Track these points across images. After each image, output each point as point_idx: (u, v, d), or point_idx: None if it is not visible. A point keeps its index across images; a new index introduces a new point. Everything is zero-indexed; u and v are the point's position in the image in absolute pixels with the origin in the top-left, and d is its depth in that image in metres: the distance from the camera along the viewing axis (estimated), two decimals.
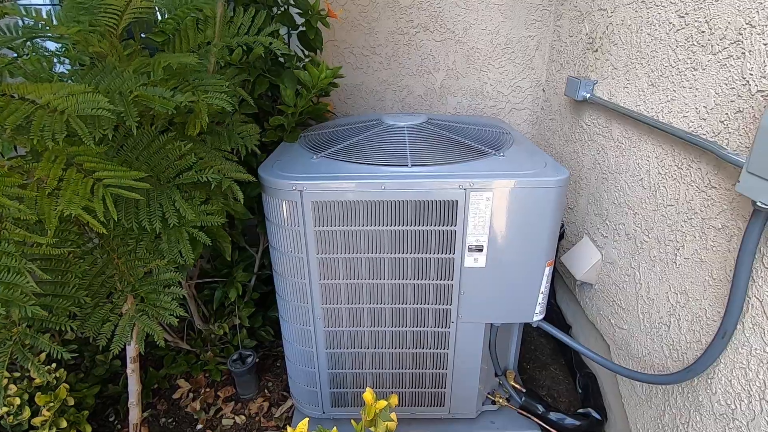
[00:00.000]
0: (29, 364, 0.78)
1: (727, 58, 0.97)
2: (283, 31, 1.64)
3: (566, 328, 1.86)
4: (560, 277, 1.97)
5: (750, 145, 0.89)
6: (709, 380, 1.02)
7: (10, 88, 0.69)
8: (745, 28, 0.92)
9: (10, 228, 0.68)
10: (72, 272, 0.87)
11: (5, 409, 1.28)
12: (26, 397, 1.32)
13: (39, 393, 1.33)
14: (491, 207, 1.15)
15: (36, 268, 0.67)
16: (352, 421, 1.03)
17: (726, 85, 0.97)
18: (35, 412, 1.32)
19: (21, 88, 0.69)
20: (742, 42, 0.92)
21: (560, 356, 1.92)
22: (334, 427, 0.97)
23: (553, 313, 1.91)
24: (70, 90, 0.70)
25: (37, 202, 0.72)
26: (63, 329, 0.85)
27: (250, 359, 1.71)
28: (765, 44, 0.87)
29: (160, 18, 1.24)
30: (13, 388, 1.31)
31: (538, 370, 1.86)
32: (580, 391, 1.66)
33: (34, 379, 1.36)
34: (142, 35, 1.29)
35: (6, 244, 0.65)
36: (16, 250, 0.66)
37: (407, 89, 2.10)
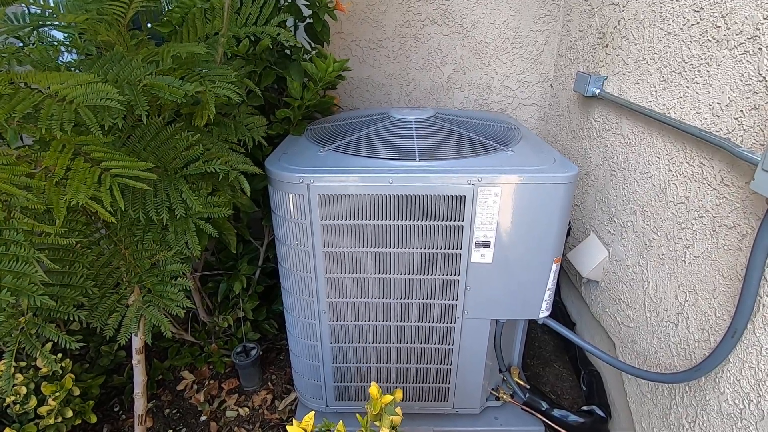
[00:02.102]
0: (37, 353, 0.78)
1: (743, 53, 0.95)
2: (290, 23, 1.63)
3: (570, 325, 1.85)
4: (565, 273, 1.96)
5: (765, 143, 0.88)
6: (717, 379, 1.02)
7: (18, 76, 0.68)
8: (762, 23, 0.90)
9: (18, 217, 0.68)
10: (79, 262, 0.87)
11: (12, 398, 1.28)
12: (32, 386, 1.33)
13: (45, 383, 1.33)
14: (499, 203, 1.14)
15: (44, 258, 0.67)
16: (357, 415, 1.03)
17: (741, 81, 0.95)
18: (41, 402, 1.33)
19: (29, 77, 0.69)
20: (760, 37, 0.91)
21: (564, 353, 1.92)
22: (340, 421, 0.97)
23: (558, 309, 1.90)
24: (78, 79, 0.69)
25: (45, 192, 0.71)
26: (69, 318, 0.85)
27: (253, 352, 1.71)
28: None
29: (167, 7, 1.23)
30: (19, 377, 1.31)
31: (542, 367, 1.86)
32: (585, 389, 1.66)
33: (40, 368, 1.37)
34: (149, 25, 1.28)
35: (15, 233, 0.65)
36: (25, 240, 0.65)
37: (414, 83, 2.09)
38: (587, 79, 1.59)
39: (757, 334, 0.90)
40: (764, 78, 0.89)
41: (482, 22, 1.96)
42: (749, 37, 0.93)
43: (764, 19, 0.90)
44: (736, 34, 0.97)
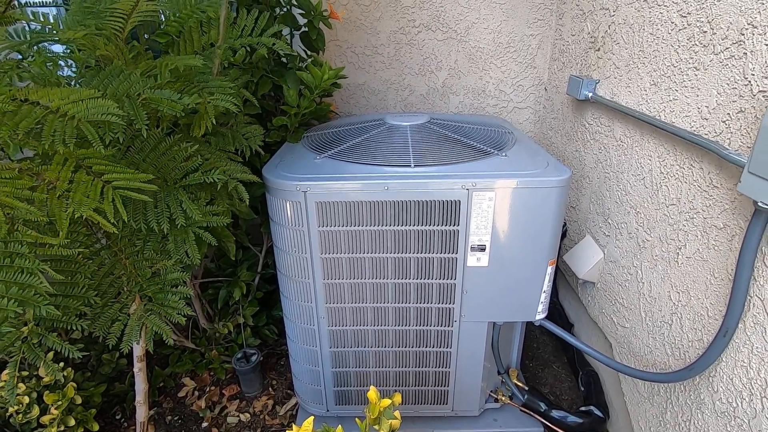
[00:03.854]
0: (40, 363, 0.80)
1: (729, 58, 0.97)
2: (285, 31, 1.65)
3: (569, 327, 1.86)
4: (563, 275, 1.98)
5: (751, 145, 0.90)
6: (710, 378, 1.03)
7: (21, 92, 0.70)
8: (747, 29, 0.92)
9: (22, 229, 0.69)
10: (81, 272, 0.89)
11: (14, 407, 1.29)
12: (35, 395, 1.34)
13: (47, 392, 1.35)
14: (494, 207, 1.16)
15: (49, 269, 0.68)
16: (357, 419, 1.04)
17: (728, 85, 0.98)
18: (44, 410, 1.34)
19: (32, 93, 0.70)
20: (744, 42, 0.93)
21: (562, 354, 1.93)
22: (339, 426, 0.98)
23: (556, 311, 1.92)
24: (79, 95, 0.71)
25: (48, 204, 0.73)
26: (71, 328, 0.86)
27: (254, 358, 1.72)
28: (767, 44, 0.87)
29: (164, 20, 1.25)
30: (21, 386, 1.32)
31: (540, 368, 1.87)
32: (583, 389, 1.67)
33: (42, 377, 1.38)
34: (146, 36, 1.30)
35: (19, 246, 0.66)
36: (29, 251, 0.67)
37: (409, 89, 2.11)
38: (580, 82, 1.61)
39: (748, 333, 0.92)
40: (749, 82, 0.91)
41: (476, 28, 1.98)
42: (734, 41, 0.96)
43: (748, 24, 0.92)
44: (722, 39, 0.99)
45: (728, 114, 0.97)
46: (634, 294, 1.37)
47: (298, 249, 1.24)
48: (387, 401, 0.99)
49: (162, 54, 1.21)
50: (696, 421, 1.09)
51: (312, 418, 0.95)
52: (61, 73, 1.07)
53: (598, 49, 1.56)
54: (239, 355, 1.73)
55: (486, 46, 2.02)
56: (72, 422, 1.37)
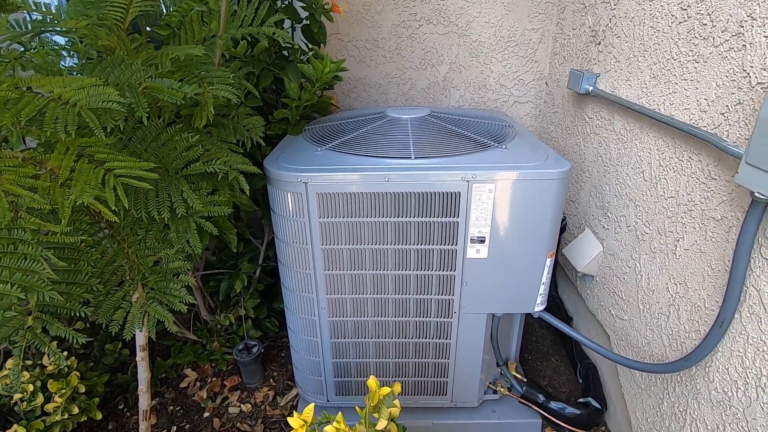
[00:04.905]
0: (45, 349, 0.81)
1: (728, 50, 0.98)
2: (287, 24, 1.65)
3: (568, 320, 1.87)
4: (562, 269, 1.99)
5: (749, 137, 0.90)
6: (706, 369, 1.04)
7: (22, 81, 0.71)
8: (746, 21, 0.92)
9: (25, 217, 0.70)
10: (84, 260, 0.90)
11: (19, 395, 1.31)
12: (39, 384, 1.36)
13: (51, 380, 1.36)
14: (493, 199, 1.17)
15: (52, 256, 0.69)
16: (357, 407, 1.05)
17: (727, 77, 0.98)
18: (48, 399, 1.36)
19: (34, 82, 0.71)
20: (743, 34, 0.93)
21: (561, 347, 1.94)
22: (339, 412, 1.00)
23: (555, 305, 1.93)
24: (80, 83, 0.71)
25: (50, 192, 0.74)
26: (75, 315, 0.88)
27: (255, 349, 1.74)
28: (766, 36, 0.87)
29: (165, 11, 1.25)
30: (26, 375, 1.34)
31: (539, 361, 1.88)
32: (581, 381, 1.68)
33: (46, 366, 1.40)
34: (148, 28, 1.31)
35: (22, 233, 0.67)
36: (32, 239, 0.68)
37: (410, 82, 2.11)
38: (580, 76, 1.61)
39: (744, 324, 0.93)
40: (748, 74, 0.92)
41: (477, 22, 1.98)
42: (734, 34, 0.96)
43: (747, 16, 0.92)
44: (722, 32, 0.99)
45: (727, 106, 0.98)
46: (632, 286, 1.38)
47: (298, 240, 1.25)
48: (386, 389, 1.00)
49: (163, 45, 1.22)
50: (692, 411, 1.10)
51: (313, 405, 0.97)
52: (63, 64, 1.08)
53: (599, 43, 1.56)
54: (240, 347, 1.75)
55: (487, 40, 2.01)
56: (76, 410, 1.39)
